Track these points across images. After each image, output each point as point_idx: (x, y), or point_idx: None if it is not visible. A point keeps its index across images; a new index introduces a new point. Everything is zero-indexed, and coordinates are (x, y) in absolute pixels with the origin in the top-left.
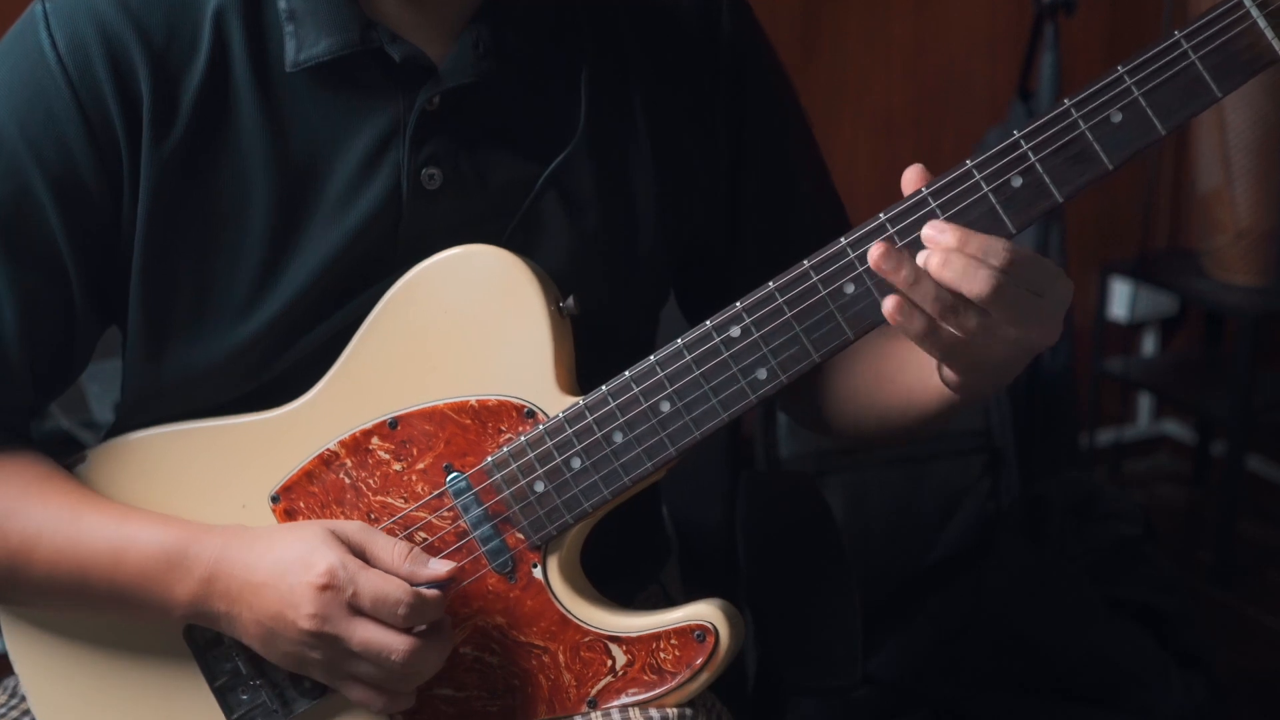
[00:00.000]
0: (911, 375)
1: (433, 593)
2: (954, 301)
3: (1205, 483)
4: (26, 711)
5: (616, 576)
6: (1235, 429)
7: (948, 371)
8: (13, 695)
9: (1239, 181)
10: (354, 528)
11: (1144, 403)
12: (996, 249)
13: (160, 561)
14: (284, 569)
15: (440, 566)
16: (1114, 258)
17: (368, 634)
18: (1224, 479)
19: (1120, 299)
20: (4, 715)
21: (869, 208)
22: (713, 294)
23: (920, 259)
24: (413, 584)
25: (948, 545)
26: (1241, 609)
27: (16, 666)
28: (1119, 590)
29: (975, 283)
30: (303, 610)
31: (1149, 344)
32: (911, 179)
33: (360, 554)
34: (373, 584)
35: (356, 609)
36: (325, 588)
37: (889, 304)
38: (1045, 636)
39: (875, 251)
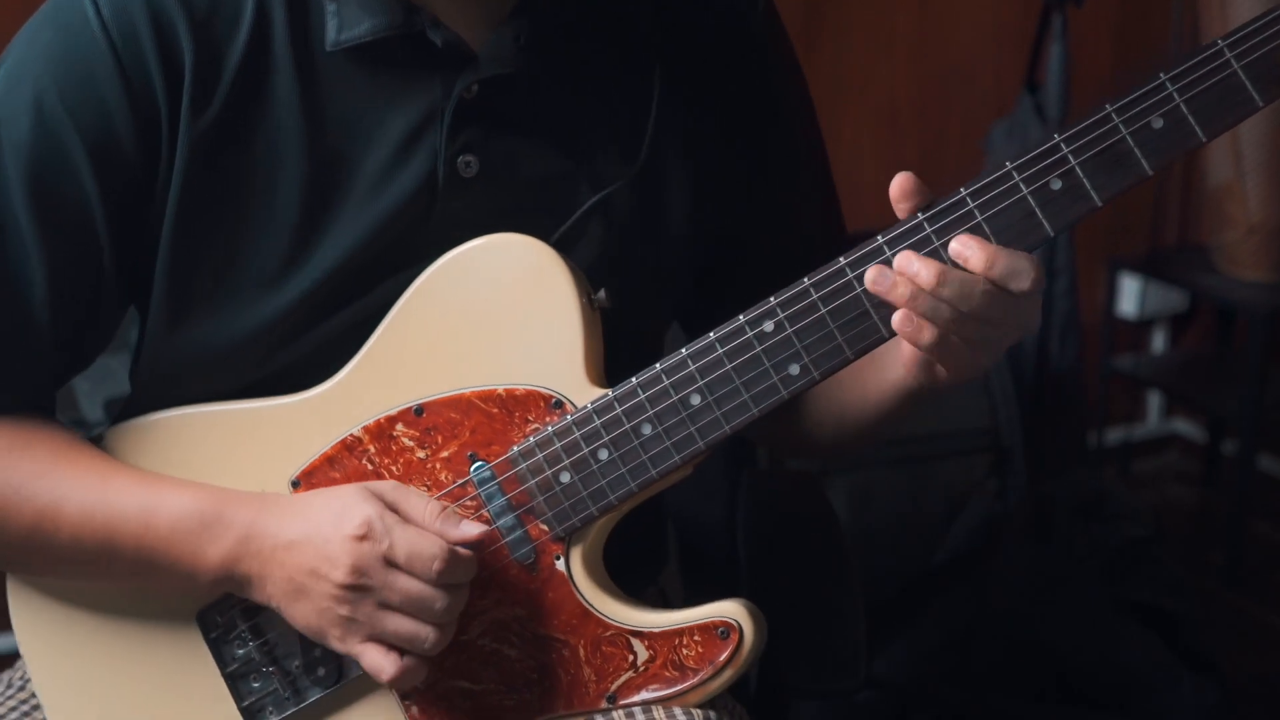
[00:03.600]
0: (868, 374)
1: (467, 552)
2: (953, 315)
3: (1216, 482)
4: (25, 701)
5: (615, 578)
6: (1246, 427)
7: (926, 372)
8: (9, 686)
9: (1251, 176)
10: (387, 485)
11: (1153, 401)
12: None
13: (194, 522)
14: (319, 524)
15: (471, 529)
16: (1123, 253)
17: (407, 585)
18: (1235, 478)
19: (1129, 295)
20: (8, 707)
21: (873, 202)
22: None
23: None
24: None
25: (953, 546)
26: (1252, 610)
27: (24, 649)
28: (1128, 592)
29: (972, 300)
30: (340, 563)
31: (1158, 341)
32: (902, 188)
33: (394, 510)
34: (408, 538)
35: (391, 562)
36: (362, 539)
37: (898, 317)
38: (1052, 639)
39: (870, 274)
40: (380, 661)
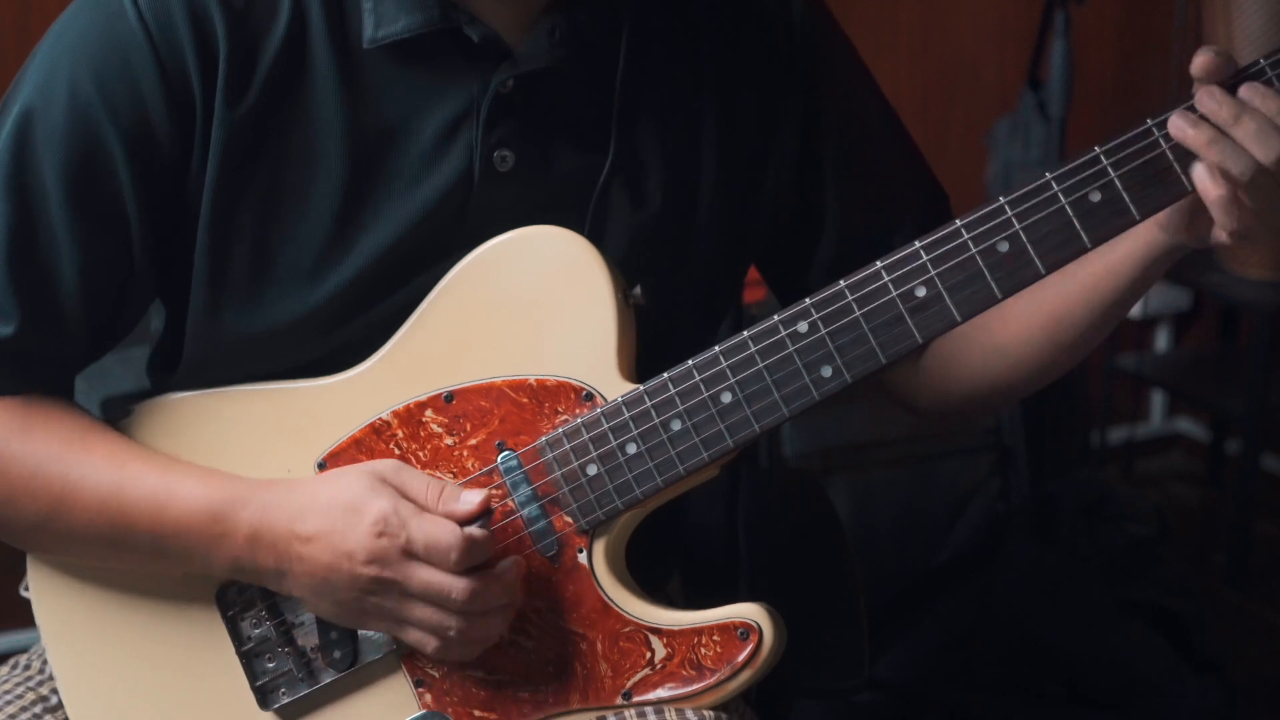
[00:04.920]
0: (1091, 263)
1: (481, 532)
2: (1248, 164)
3: (1220, 482)
4: (34, 675)
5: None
6: (1250, 427)
7: (1192, 224)
8: (14, 667)
9: None
10: (389, 468)
11: (1157, 400)
12: None
13: (204, 519)
14: (333, 519)
15: (472, 497)
16: None
17: (426, 577)
18: (1239, 478)
19: None
20: (17, 690)
21: None
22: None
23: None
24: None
25: (956, 546)
26: (1256, 611)
27: (41, 624)
28: (1131, 592)
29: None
30: (359, 558)
31: (1162, 340)
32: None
33: (399, 493)
34: (424, 529)
35: (410, 554)
36: (380, 535)
37: (1198, 170)
38: (1056, 639)
39: (1172, 121)
40: (421, 639)
